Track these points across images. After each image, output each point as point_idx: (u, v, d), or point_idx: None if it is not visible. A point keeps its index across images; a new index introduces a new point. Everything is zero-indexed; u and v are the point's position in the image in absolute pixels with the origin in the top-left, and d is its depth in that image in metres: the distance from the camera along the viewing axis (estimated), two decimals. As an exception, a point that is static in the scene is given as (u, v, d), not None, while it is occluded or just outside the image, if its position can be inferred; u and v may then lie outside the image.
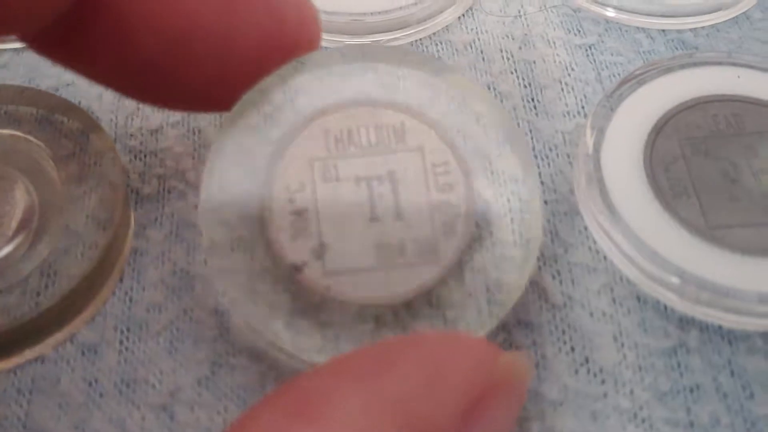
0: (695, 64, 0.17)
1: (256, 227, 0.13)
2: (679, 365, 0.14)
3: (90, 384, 0.14)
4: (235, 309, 0.13)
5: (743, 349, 0.14)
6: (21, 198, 0.16)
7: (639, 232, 0.15)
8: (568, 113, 0.18)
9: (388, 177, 0.14)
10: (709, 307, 0.14)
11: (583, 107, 0.18)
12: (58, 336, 0.15)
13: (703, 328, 0.15)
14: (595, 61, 0.19)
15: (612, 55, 0.19)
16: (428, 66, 0.15)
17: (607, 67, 0.18)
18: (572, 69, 0.18)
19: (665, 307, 0.15)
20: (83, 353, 0.15)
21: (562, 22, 0.19)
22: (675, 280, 0.14)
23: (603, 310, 0.15)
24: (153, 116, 0.18)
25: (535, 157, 0.17)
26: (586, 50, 0.19)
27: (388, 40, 0.19)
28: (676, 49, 0.19)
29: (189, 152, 0.17)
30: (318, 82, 0.14)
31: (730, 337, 0.14)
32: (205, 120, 0.18)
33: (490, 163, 0.14)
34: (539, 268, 0.15)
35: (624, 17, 0.19)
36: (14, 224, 0.15)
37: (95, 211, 0.16)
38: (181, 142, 0.17)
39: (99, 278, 0.15)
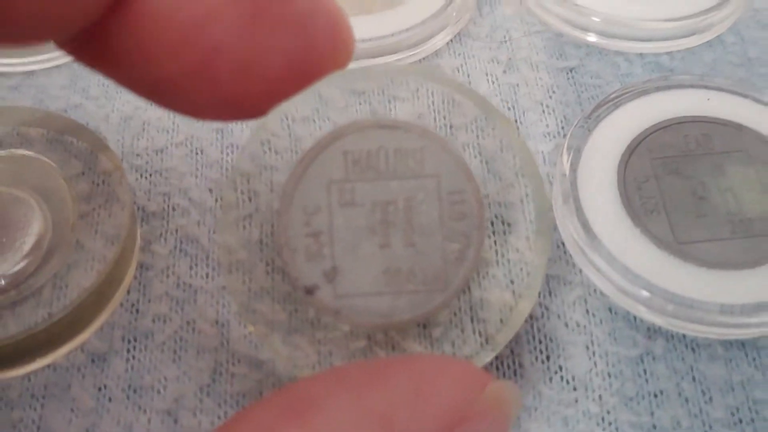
0: (669, 87, 0.18)
1: (255, 250, 0.14)
2: (645, 372, 0.15)
3: (99, 390, 0.15)
4: (238, 321, 0.14)
5: (705, 357, 0.15)
6: (35, 215, 0.17)
7: (611, 248, 0.16)
8: (549, 134, 0.19)
9: (404, 203, 0.14)
10: (675, 318, 0.15)
11: (563, 128, 0.19)
12: (69, 345, 0.15)
13: (669, 337, 0.16)
14: (575, 83, 0.20)
15: (592, 77, 0.20)
16: (452, 85, 0.14)
17: (587, 89, 0.20)
18: (554, 91, 0.19)
19: (634, 318, 0.16)
20: (93, 361, 0.15)
21: (545, 47, 0.20)
22: (644, 293, 0.15)
23: (577, 321, 0.16)
24: (158, 137, 0.19)
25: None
26: (568, 73, 0.20)
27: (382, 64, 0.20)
28: (653, 71, 0.20)
29: (192, 171, 0.18)
30: (340, 102, 0.14)
31: (693, 345, 0.15)
32: (207, 141, 0.19)
33: (505, 193, 0.14)
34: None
35: (604, 42, 0.20)
36: (28, 240, 0.16)
37: (104, 228, 0.17)
38: (185, 162, 0.18)
39: (107, 291, 0.16)
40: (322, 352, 0.14)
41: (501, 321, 0.14)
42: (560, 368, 0.15)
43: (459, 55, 0.20)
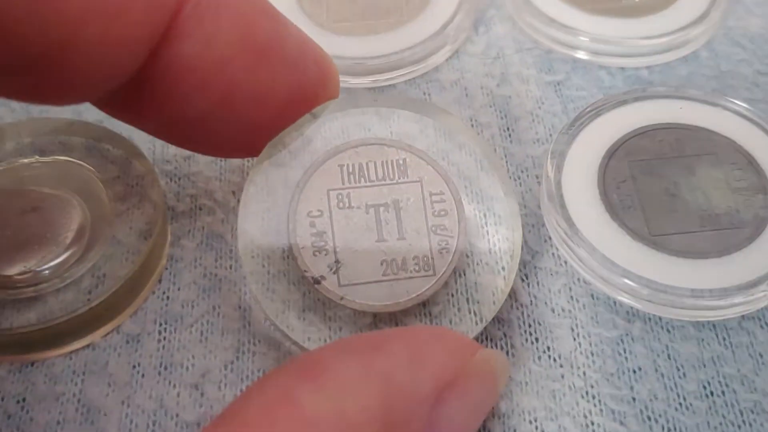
0: (646, 98, 0.20)
1: (275, 239, 0.16)
2: (624, 351, 0.17)
3: (134, 367, 0.16)
4: (256, 304, 0.16)
5: (678, 337, 0.17)
6: (76, 214, 0.18)
7: (593, 241, 0.17)
8: (538, 140, 0.21)
9: (393, 204, 0.16)
10: (651, 302, 0.17)
11: (550, 135, 0.21)
12: (107, 327, 0.17)
13: (646, 319, 0.17)
14: (562, 95, 0.22)
15: (577, 90, 0.22)
16: (422, 108, 0.17)
17: (572, 100, 0.21)
18: (542, 103, 0.21)
19: (614, 303, 0.17)
20: (128, 341, 0.17)
21: (534, 62, 0.22)
22: (623, 280, 0.17)
23: (562, 307, 0.17)
24: (184, 145, 0.21)
25: (510, 177, 0.20)
26: (555, 86, 0.22)
27: (386, 79, 0.22)
28: (633, 84, 0.22)
29: (216, 176, 0.20)
30: (334, 125, 0.17)
31: (668, 326, 0.17)
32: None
33: (473, 185, 0.17)
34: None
35: (589, 58, 0.22)
36: (70, 235, 0.18)
37: (137, 224, 0.18)
38: (209, 167, 0.20)
39: (141, 280, 0.17)
40: (332, 327, 0.16)
41: (489, 296, 0.16)
42: (548, 348, 0.17)
43: (457, 70, 0.22)
